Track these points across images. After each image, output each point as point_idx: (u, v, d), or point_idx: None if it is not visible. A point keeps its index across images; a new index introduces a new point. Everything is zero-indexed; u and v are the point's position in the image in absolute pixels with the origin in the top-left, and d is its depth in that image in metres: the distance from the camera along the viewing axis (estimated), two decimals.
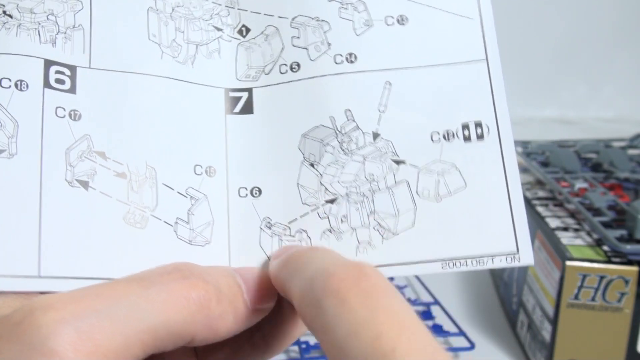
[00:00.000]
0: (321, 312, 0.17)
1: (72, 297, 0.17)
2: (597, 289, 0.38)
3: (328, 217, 0.22)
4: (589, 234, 0.42)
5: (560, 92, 1.00)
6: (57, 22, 0.22)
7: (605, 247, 0.40)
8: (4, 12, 0.22)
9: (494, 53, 0.23)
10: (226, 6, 0.24)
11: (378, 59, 0.23)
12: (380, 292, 0.17)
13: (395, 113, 0.23)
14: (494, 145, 0.22)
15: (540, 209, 0.47)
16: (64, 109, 0.21)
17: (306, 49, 0.23)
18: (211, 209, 0.23)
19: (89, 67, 0.22)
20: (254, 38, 0.24)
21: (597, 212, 0.43)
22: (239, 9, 0.24)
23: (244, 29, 0.24)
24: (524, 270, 0.46)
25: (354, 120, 0.23)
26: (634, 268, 0.37)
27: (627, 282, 0.37)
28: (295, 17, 0.24)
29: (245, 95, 0.24)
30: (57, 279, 0.20)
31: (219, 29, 0.24)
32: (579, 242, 0.41)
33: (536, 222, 0.45)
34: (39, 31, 0.22)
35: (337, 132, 0.23)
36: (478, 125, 0.23)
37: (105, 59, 0.22)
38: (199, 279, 0.19)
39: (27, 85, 0.21)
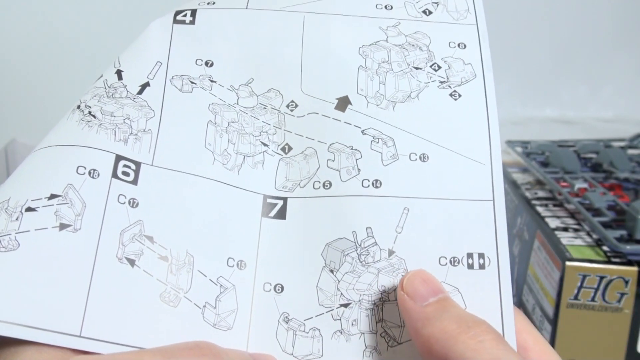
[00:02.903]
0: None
1: None
2: (597, 289, 0.38)
3: (340, 320, 0.25)
4: (588, 234, 0.42)
5: (560, 92, 1.00)
6: (131, 126, 0.26)
7: (605, 248, 0.40)
8: (90, 112, 0.26)
9: (499, 195, 0.26)
10: (274, 126, 0.28)
11: (400, 188, 0.26)
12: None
13: (410, 236, 0.25)
14: (493, 276, 0.25)
15: (540, 209, 0.47)
16: (125, 197, 0.25)
17: (338, 171, 0.27)
18: (237, 298, 0.25)
19: (152, 165, 0.26)
20: (294, 156, 0.28)
21: (597, 212, 0.43)
22: (285, 129, 0.28)
23: (287, 146, 0.28)
24: (523, 270, 0.46)
25: (373, 237, 0.25)
26: (634, 268, 0.37)
27: (627, 282, 0.37)
28: (333, 143, 0.27)
29: (280, 202, 0.27)
30: (95, 341, 0.23)
31: (265, 144, 0.28)
32: (578, 242, 0.41)
33: (536, 222, 0.45)
34: (115, 131, 0.26)
35: (358, 245, 0.25)
36: (481, 256, 0.25)
37: (166, 159, 0.26)
38: (217, 357, 0.21)
39: (98, 174, 0.25)
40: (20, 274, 0.22)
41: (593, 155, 0.57)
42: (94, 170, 0.25)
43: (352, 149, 0.27)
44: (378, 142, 0.27)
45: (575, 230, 0.43)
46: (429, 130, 0.27)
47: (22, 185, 0.24)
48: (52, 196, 0.24)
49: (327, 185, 0.27)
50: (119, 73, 0.28)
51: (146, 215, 0.25)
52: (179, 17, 0.29)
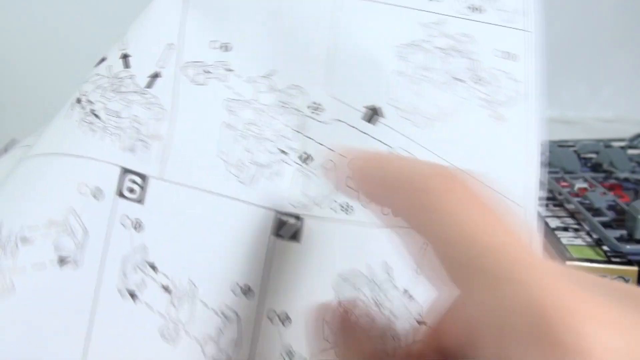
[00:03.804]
0: (430, 213, 0.16)
1: None
2: None
3: None
4: (588, 234, 0.42)
5: (560, 92, 1.00)
6: (139, 129, 0.23)
7: (605, 247, 0.40)
8: (92, 110, 0.23)
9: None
10: (294, 129, 0.25)
11: None
12: (483, 196, 0.16)
13: None
14: None
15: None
16: (129, 218, 0.23)
17: None
18: (241, 329, 0.23)
19: (161, 178, 0.23)
20: (314, 168, 0.25)
21: (597, 212, 0.43)
22: (305, 135, 0.25)
23: (306, 156, 0.25)
24: None
25: (388, 274, 0.24)
26: (634, 268, 0.37)
27: (627, 282, 0.37)
28: None
29: (293, 221, 0.24)
30: None
31: (283, 152, 0.25)
32: (578, 242, 0.41)
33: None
34: (121, 137, 0.23)
35: (371, 281, 0.23)
36: None
37: (176, 172, 0.23)
38: None
39: (102, 194, 0.22)
40: (16, 319, 0.21)
41: (593, 155, 0.57)
42: (97, 189, 0.22)
43: None
44: None
45: (575, 230, 0.43)
46: (462, 157, 0.24)
47: (15, 205, 0.21)
48: (51, 222, 0.21)
49: (347, 209, 0.24)
50: (125, 58, 0.24)
51: (150, 240, 0.23)
52: None
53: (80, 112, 0.23)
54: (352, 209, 0.24)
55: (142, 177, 0.23)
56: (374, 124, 0.24)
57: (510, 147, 0.24)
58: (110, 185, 0.22)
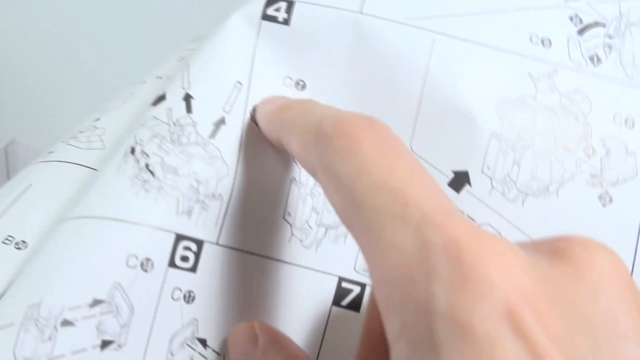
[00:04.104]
0: (330, 151, 0.16)
1: None
2: None
3: None
4: None
5: None
6: (198, 189, 0.20)
7: None
8: (147, 165, 0.20)
9: None
10: None
11: None
12: (393, 140, 0.16)
13: None
14: None
15: None
16: (181, 290, 0.20)
17: None
18: None
19: (216, 243, 0.20)
20: None
21: None
22: None
23: None
24: None
25: None
26: None
27: None
28: None
29: (357, 289, 0.21)
30: None
31: None
32: None
33: None
34: (179, 200, 0.20)
35: None
36: None
37: (234, 236, 0.20)
38: None
39: (153, 265, 0.19)
40: None
41: None
42: (148, 259, 0.19)
43: None
44: None
45: None
46: None
47: (56, 281, 0.19)
48: (95, 302, 0.19)
49: None
50: (187, 100, 0.21)
51: (202, 312, 0.20)
52: (269, 11, 0.21)
53: (134, 167, 0.20)
54: None
55: (198, 242, 0.20)
56: (457, 192, 0.21)
57: (617, 235, 0.21)
58: (162, 255, 0.19)
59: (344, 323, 0.21)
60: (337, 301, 0.21)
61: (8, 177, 0.67)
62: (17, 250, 0.21)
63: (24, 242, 0.21)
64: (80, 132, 0.24)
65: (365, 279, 0.22)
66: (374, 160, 0.15)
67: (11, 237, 0.21)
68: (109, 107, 0.24)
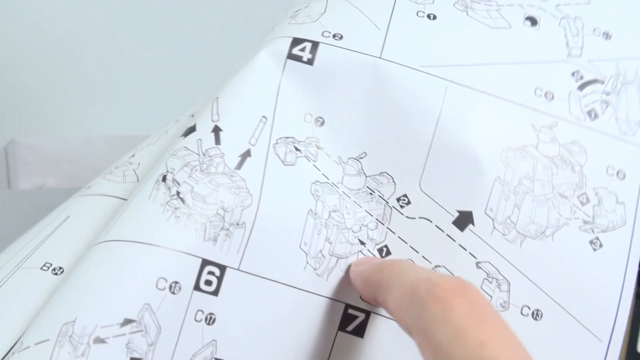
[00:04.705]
0: (425, 315, 0.17)
1: None
2: None
3: None
4: None
5: None
6: (224, 217, 0.21)
7: None
8: (178, 193, 0.21)
9: None
10: (377, 219, 0.23)
11: None
12: (484, 306, 0.17)
13: None
14: None
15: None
16: (203, 312, 0.21)
17: None
18: None
19: (238, 269, 0.22)
20: None
21: None
22: (387, 227, 0.23)
23: (385, 249, 0.23)
24: None
25: None
26: None
27: None
28: (438, 266, 0.23)
29: (362, 316, 0.23)
30: None
31: (362, 243, 0.23)
32: None
33: None
34: (206, 226, 0.21)
35: None
36: None
37: (255, 263, 0.22)
38: None
39: (180, 288, 0.21)
40: None
41: None
42: (176, 283, 0.20)
43: None
44: (492, 282, 0.22)
45: None
46: (553, 282, 0.22)
47: (91, 300, 0.20)
48: (126, 322, 0.20)
49: None
50: (216, 132, 0.22)
51: (221, 334, 0.21)
52: (295, 50, 0.23)
53: (166, 194, 0.21)
54: None
55: (221, 268, 0.21)
56: (461, 230, 0.23)
57: (605, 278, 0.23)
58: (189, 279, 0.21)
59: (348, 347, 0.23)
60: (343, 326, 0.23)
61: (8, 177, 0.67)
62: (54, 275, 0.22)
63: (60, 267, 0.22)
64: (116, 167, 0.25)
65: (370, 307, 0.23)
66: (467, 329, 0.16)
67: (49, 263, 0.22)
68: (144, 144, 0.26)
